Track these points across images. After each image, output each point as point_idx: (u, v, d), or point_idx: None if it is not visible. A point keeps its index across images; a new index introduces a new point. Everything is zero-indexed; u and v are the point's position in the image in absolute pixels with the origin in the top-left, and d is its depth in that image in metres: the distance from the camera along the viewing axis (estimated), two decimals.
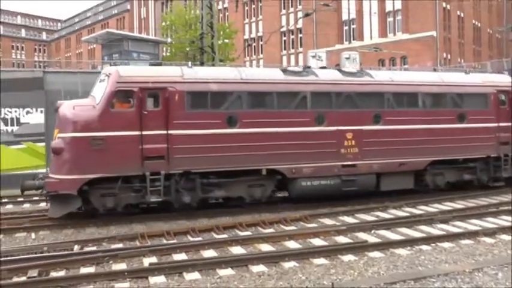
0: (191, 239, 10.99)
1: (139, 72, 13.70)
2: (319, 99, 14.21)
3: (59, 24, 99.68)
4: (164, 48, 44.66)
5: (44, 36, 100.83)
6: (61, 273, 8.60)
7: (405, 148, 14.83)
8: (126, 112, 12.65)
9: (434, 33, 40.55)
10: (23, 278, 8.27)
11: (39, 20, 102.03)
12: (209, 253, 9.72)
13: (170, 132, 12.68)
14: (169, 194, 12.78)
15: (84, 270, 8.80)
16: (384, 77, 15.68)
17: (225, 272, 8.41)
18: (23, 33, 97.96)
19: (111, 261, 9.24)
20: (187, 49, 36.54)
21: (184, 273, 8.33)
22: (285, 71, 14.67)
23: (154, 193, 12.51)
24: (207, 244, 10.19)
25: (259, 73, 15.76)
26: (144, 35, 55.34)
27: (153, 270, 8.44)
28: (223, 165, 13.18)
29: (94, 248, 10.26)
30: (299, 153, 13.77)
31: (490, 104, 16.26)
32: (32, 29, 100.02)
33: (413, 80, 15.88)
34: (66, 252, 9.81)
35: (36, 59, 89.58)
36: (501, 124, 16.21)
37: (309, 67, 15.39)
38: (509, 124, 16.16)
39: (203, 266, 8.65)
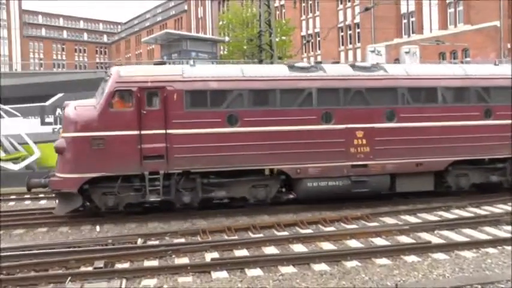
0: (252, 235, 11.04)
1: (139, 72, 13.72)
2: (325, 96, 13.56)
3: (119, 26, 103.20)
4: (222, 47, 45.06)
5: (104, 38, 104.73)
6: (125, 265, 8.88)
7: (423, 147, 13.88)
8: (125, 112, 12.63)
9: (497, 23, 38.48)
10: (90, 268, 8.63)
11: (101, 24, 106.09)
12: (270, 250, 9.73)
13: (169, 131, 12.57)
14: (169, 194, 12.68)
15: (148, 263, 9.04)
16: (399, 71, 14.75)
17: (287, 269, 8.39)
18: (85, 36, 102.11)
19: (173, 256, 9.43)
20: (245, 47, 36.68)
21: (246, 269, 8.37)
22: (291, 67, 14.14)
23: (153, 192, 12.44)
24: (268, 241, 10.20)
25: (262, 70, 14.95)
26: (201, 35, 56.12)
27: (215, 265, 8.54)
28: (223, 165, 12.92)
29: (157, 242, 10.53)
30: (304, 153, 13.27)
31: None
32: (94, 32, 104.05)
33: (432, 73, 14.77)
34: (130, 245, 10.06)
35: (97, 60, 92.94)
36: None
37: (320, 62, 15.17)
38: None
39: (265, 262, 8.67)
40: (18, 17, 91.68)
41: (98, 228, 12.05)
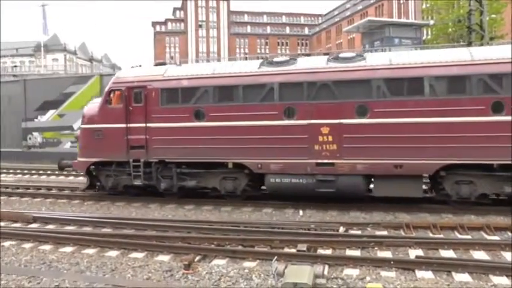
0: (459, 236, 9.98)
1: (131, 73, 15.24)
2: (288, 91, 12.86)
3: (320, 18, 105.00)
4: (426, 32, 42.71)
5: (306, 31, 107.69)
6: (327, 252, 8.74)
7: (403, 147, 11.88)
8: (117, 108, 14.47)
9: None
10: (293, 250, 8.74)
11: (302, 17, 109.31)
12: (480, 255, 8.63)
13: (148, 125, 14.09)
14: (151, 180, 14.23)
15: (350, 252, 8.78)
16: (380, 60, 12.73)
17: (500, 280, 7.31)
18: (287, 30, 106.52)
19: (376, 248, 9.02)
20: (450, 30, 34.16)
21: (453, 273, 7.57)
22: (266, 62, 13.76)
23: (136, 177, 14.32)
24: (478, 244, 9.07)
25: (232, 67, 14.26)
26: (404, 20, 53.99)
27: (420, 263, 7.90)
28: (192, 156, 13.77)
29: (359, 232, 10.21)
30: (265, 148, 12.96)
31: None
32: (295, 26, 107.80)
33: (420, 60, 12.16)
34: (332, 233, 9.97)
35: (299, 52, 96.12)
36: None
37: (308, 55, 13.58)
38: None
39: (474, 268, 7.70)
40: (226, 17, 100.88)
41: (301, 212, 12.28)
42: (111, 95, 14.74)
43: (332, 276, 7.43)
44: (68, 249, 9.59)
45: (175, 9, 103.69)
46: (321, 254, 8.53)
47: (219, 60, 75.63)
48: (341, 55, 13.36)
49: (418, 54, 14.32)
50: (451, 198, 12.19)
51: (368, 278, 7.38)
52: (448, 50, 14.53)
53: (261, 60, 14.21)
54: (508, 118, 11.08)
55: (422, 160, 11.82)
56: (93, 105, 15.41)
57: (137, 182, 14.39)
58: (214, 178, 13.91)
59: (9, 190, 17.13)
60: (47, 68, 50.56)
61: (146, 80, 14.36)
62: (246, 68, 13.85)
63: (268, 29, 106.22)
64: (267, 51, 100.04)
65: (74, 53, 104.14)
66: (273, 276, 6.85)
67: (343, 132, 12.34)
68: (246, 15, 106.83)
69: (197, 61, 75.91)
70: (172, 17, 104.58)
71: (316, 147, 12.55)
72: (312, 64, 13.23)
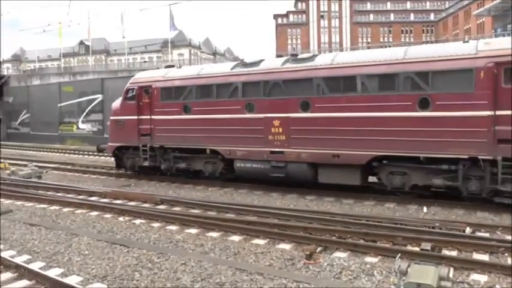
0: None
1: (143, 75, 18.98)
2: (249, 89, 15.02)
3: (447, 2, 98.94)
4: None
5: (431, 17, 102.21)
6: (453, 253, 8.31)
7: (339, 138, 13.17)
8: (131, 103, 18.05)
9: None
10: (416, 249, 8.42)
11: (427, 2, 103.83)
12: None
13: (152, 117, 17.46)
14: (156, 162, 17.56)
15: (477, 256, 8.23)
16: (323, 60, 14.11)
17: None
18: (412, 17, 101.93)
19: (505, 254, 8.29)
20: None
21: None
22: (237, 64, 16.09)
23: (145, 160, 17.69)
24: None
25: (212, 68, 17.27)
26: None
27: None
28: (181, 143, 16.79)
29: (487, 235, 9.49)
30: (233, 138, 15.27)
31: (477, 84, 11.22)
32: (420, 12, 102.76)
33: (353, 61, 13.39)
34: (457, 233, 9.46)
35: (423, 39, 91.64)
36: (501, 112, 10.92)
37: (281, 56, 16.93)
38: None
39: None
40: (348, 6, 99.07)
41: (425, 209, 11.76)
42: (128, 93, 18.30)
43: (458, 280, 7.04)
44: (193, 230, 10.17)
45: (297, 1, 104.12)
46: (446, 255, 8.09)
47: (341, 50, 74.74)
48: (299, 56, 15.10)
49: (355, 54, 15.71)
50: (387, 188, 13.05)
51: (498, 287, 6.94)
52: (386, 49, 16.05)
53: (235, 63, 16.67)
54: (434, 114, 11.78)
55: (355, 151, 12.95)
56: (118, 101, 19.10)
57: (145, 163, 17.79)
58: (199, 162, 16.77)
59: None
60: (173, 62, 53.90)
61: (151, 81, 17.78)
62: (220, 69, 16.54)
63: (392, 17, 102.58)
64: (390, 39, 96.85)
65: (199, 47, 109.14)
66: (396, 274, 6.75)
67: (290, 125, 14.14)
68: (368, 4, 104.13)
69: (319, 52, 75.68)
70: (294, 9, 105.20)
71: (270, 137, 14.54)
72: (269, 65, 15.05)
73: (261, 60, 15.61)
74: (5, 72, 53.86)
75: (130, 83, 18.46)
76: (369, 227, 9.82)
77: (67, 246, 9.26)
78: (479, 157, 11.29)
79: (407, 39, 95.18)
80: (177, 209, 12.57)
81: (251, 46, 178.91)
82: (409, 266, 6.72)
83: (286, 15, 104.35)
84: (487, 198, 11.64)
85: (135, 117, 17.82)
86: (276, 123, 14.40)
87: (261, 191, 14.77)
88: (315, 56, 14.67)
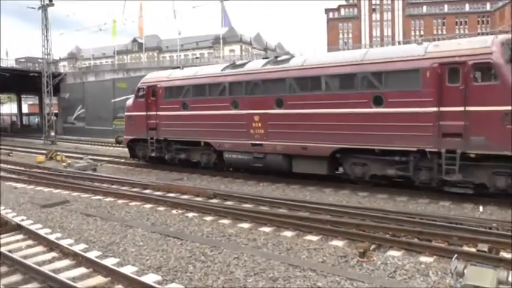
0: None
1: (151, 76, 21.41)
2: (235, 88, 16.75)
3: None
4: None
5: (487, 7, 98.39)
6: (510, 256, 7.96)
7: (307, 132, 14.48)
8: (141, 101, 20.34)
9: None
10: (473, 250, 8.14)
11: None
12: None
13: (158, 113, 19.52)
14: (162, 153, 19.64)
15: None
16: (295, 62, 15.49)
17: None
18: (467, 7, 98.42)
19: None
20: None
21: None
22: (229, 66, 17.80)
23: (152, 151, 19.86)
24: None
25: (207, 69, 19.14)
26: None
27: None
28: (181, 136, 18.77)
29: None
30: (221, 131, 17.01)
31: (422, 83, 12.27)
32: (476, 2, 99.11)
33: (320, 62, 14.81)
34: None
35: (478, 31, 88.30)
36: (444, 109, 11.89)
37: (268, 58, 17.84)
38: (460, 109, 11.65)
39: None
40: None
41: (481, 208, 11.33)
42: (139, 92, 20.56)
43: None
44: (246, 225, 10.22)
45: None
46: (504, 257, 7.73)
47: (393, 44, 73.21)
48: (278, 59, 16.58)
49: (322, 56, 17.33)
50: (350, 177, 14.22)
51: None
52: (348, 51, 17.41)
53: (226, 64, 18.46)
54: (386, 110, 12.88)
55: (320, 144, 14.22)
56: (131, 100, 21.61)
57: (153, 154, 19.95)
58: (196, 153, 18.68)
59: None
60: (225, 58, 54.50)
61: (157, 81, 19.93)
62: (212, 70, 18.30)
63: (446, 8, 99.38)
64: (444, 32, 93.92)
65: (249, 43, 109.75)
66: (452, 276, 6.54)
67: (268, 120, 15.67)
68: None
69: (371, 46, 74.47)
70: (346, 3, 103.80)
71: (251, 131, 16.12)
72: (252, 67, 16.75)
73: (247, 62, 17.77)
74: (61, 70, 55.90)
75: (141, 83, 20.80)
76: (423, 226, 9.54)
77: (122, 237, 9.53)
78: (427, 149, 12.30)
79: (461, 31, 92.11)
80: (229, 203, 12.68)
81: (302, 41, 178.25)
82: (465, 267, 6.49)
83: (338, 9, 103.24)
84: (435, 187, 12.58)
85: (144, 113, 20.06)
86: (256, 118, 16.02)
87: (314, 187, 14.68)
88: (291, 58, 16.35)
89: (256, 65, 16.75)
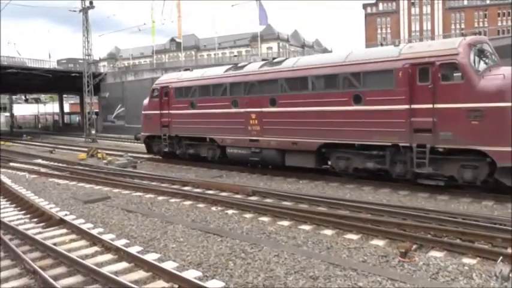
0: None
1: (165, 77, 23.20)
2: (234, 88, 18.16)
3: None
4: None
5: None
6: None
7: (296, 129, 15.65)
8: (156, 100, 22.14)
9: None
10: None
11: None
12: None
13: (170, 111, 21.24)
14: (173, 148, 21.40)
15: None
16: (287, 64, 16.65)
17: None
18: None
19: None
20: None
21: None
22: (231, 68, 19.21)
23: (165, 146, 21.54)
24: None
25: (211, 71, 20.62)
26: None
27: None
28: (190, 133, 20.42)
29: None
30: (224, 128, 18.49)
31: (396, 82, 13.11)
32: None
33: (307, 63, 15.89)
34: None
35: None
36: (415, 106, 12.67)
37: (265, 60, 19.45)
38: (429, 106, 12.39)
39: None
40: None
41: None
42: (154, 92, 22.43)
43: None
44: (285, 223, 10.19)
45: None
46: None
47: (432, 38, 71.61)
48: (274, 60, 17.86)
49: (308, 58, 17.94)
50: (335, 170, 15.33)
51: None
52: (332, 53, 18.91)
53: (228, 66, 19.92)
54: (364, 108, 13.90)
55: (308, 139, 15.41)
56: (147, 99, 23.18)
57: (166, 149, 21.64)
58: (203, 148, 20.18)
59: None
60: (262, 56, 54.54)
61: (169, 82, 21.74)
62: (216, 72, 19.79)
63: None
64: (485, 24, 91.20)
65: (287, 40, 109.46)
66: (497, 279, 6.34)
67: (263, 118, 17.00)
68: None
69: (409, 41, 73.03)
70: None
71: (249, 128, 17.49)
72: (250, 69, 18.04)
73: (246, 64, 19.02)
74: (101, 70, 57.17)
75: (155, 84, 22.89)
76: (466, 226, 9.27)
77: (163, 232, 9.66)
78: (400, 144, 13.22)
79: (504, 23, 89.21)
80: (268, 200, 12.67)
81: (340, 37, 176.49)
82: (511, 271, 6.31)
83: (376, 3, 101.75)
84: (410, 179, 13.45)
85: (158, 111, 21.86)
86: (253, 116, 17.37)
87: (353, 185, 14.54)
88: (284, 60, 17.62)
89: (254, 67, 18.08)
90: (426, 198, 12.52)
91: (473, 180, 12.27)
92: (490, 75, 12.00)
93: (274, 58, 19.32)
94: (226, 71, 19.07)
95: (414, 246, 8.19)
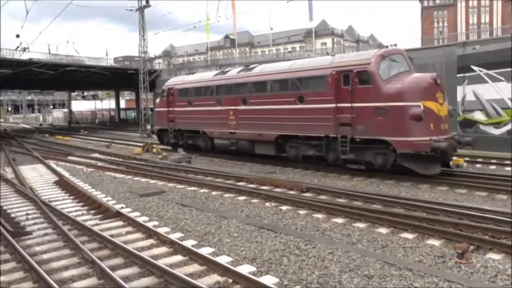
0: None
1: (172, 80, 27.79)
2: (219, 90, 22.23)
3: None
4: None
5: None
6: None
7: (261, 123, 19.30)
8: (164, 100, 26.43)
9: None
10: None
11: None
12: None
13: (175, 109, 25.46)
14: (178, 140, 25.52)
15: None
16: (256, 70, 20.65)
17: None
18: None
19: None
20: None
21: None
22: (218, 73, 23.59)
23: (172, 138, 25.94)
24: None
25: (204, 75, 25.42)
26: None
27: None
28: (188, 127, 24.56)
29: None
30: (212, 123, 22.36)
31: (326, 86, 16.37)
32: None
33: (268, 70, 19.82)
34: None
35: None
36: (340, 105, 15.91)
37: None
38: (349, 105, 15.60)
39: None
40: None
41: None
42: (164, 92, 26.62)
43: None
44: (340, 220, 10.11)
45: None
46: None
47: (490, 31, 68.72)
48: (249, 67, 21.57)
49: (269, 65, 21.04)
50: (289, 157, 18.68)
51: None
52: (285, 62, 21.58)
53: (217, 71, 24.48)
54: (305, 106, 17.15)
55: (268, 131, 18.89)
56: (159, 98, 27.61)
57: (172, 140, 25.84)
58: (199, 139, 23.96)
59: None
60: (316, 51, 54.11)
61: (174, 84, 26.18)
62: (207, 76, 24.04)
63: None
64: None
65: (341, 36, 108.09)
66: None
67: (238, 114, 20.62)
68: None
69: (467, 35, 70.66)
70: None
71: (229, 122, 21.10)
72: (231, 74, 22.03)
73: (229, 70, 22.93)
74: (157, 67, 58.36)
75: (165, 85, 27.22)
76: (499, 223, 9.01)
77: (217, 227, 9.82)
78: (330, 135, 16.29)
79: None
80: (322, 197, 12.61)
81: (396, 31, 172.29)
82: None
83: None
84: (341, 165, 16.28)
85: (166, 109, 26.10)
86: (231, 113, 21.01)
87: (409, 182, 14.31)
88: (255, 67, 21.06)
89: (233, 72, 22.06)
90: (483, 197, 12.18)
91: (384, 165, 15.00)
92: (394, 80, 14.77)
93: (247, 65, 23.64)
94: (214, 75, 23.30)
95: (471, 248, 7.95)
